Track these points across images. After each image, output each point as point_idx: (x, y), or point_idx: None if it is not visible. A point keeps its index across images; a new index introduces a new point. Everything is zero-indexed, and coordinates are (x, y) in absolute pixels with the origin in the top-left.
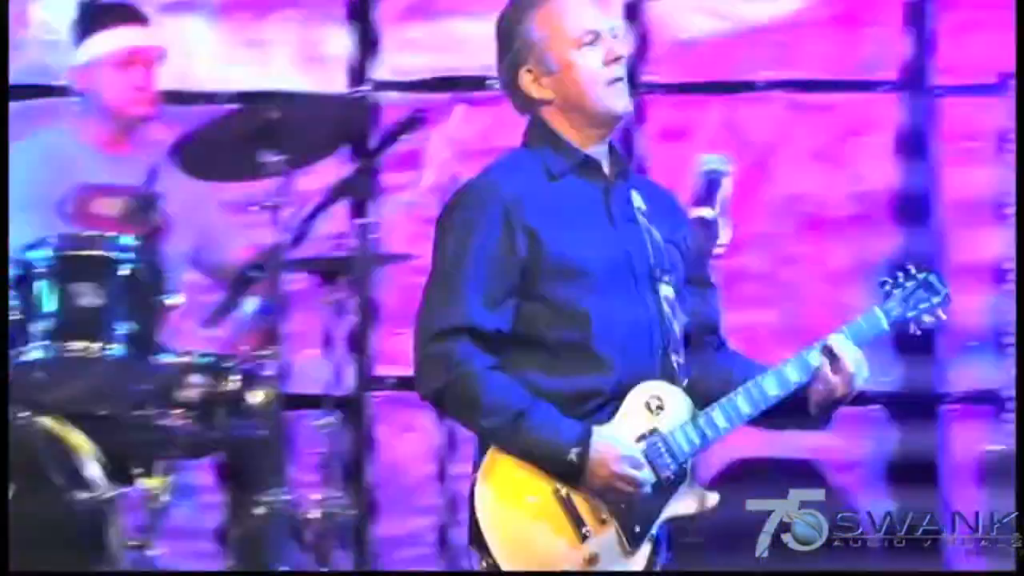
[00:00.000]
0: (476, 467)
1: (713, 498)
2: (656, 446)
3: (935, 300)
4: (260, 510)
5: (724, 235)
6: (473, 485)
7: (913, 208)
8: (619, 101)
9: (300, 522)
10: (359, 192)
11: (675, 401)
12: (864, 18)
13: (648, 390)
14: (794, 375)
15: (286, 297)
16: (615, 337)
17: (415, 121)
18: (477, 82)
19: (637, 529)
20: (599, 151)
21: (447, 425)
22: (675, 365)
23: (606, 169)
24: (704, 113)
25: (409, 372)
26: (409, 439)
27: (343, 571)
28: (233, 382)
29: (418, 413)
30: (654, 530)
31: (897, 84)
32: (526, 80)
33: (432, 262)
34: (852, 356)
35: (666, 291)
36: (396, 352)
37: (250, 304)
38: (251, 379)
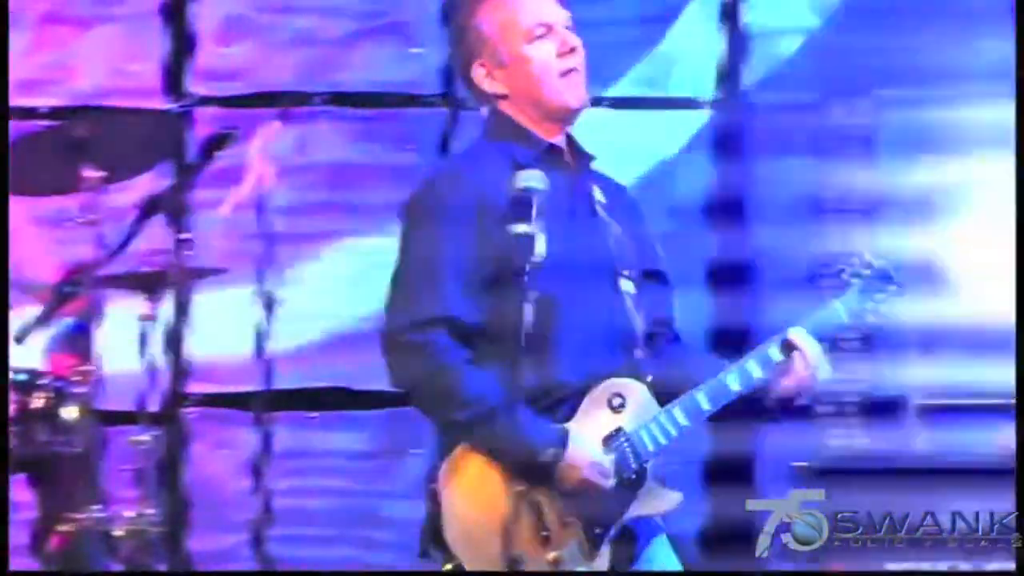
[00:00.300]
0: (432, 473)
1: (675, 497)
2: (622, 447)
3: (891, 289)
4: (73, 526)
5: (539, 248)
6: (434, 487)
7: (730, 217)
8: (573, 94)
9: (114, 538)
10: (173, 208)
11: (637, 398)
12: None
13: (610, 387)
14: (756, 371)
15: (101, 312)
16: (579, 331)
17: (228, 137)
18: (296, 97)
19: (597, 531)
20: (559, 143)
21: (261, 440)
22: (637, 361)
23: (567, 158)
24: None
25: (222, 388)
26: (223, 455)
27: (342, 571)
28: (47, 398)
29: (232, 429)
30: (613, 532)
31: (714, 100)
32: (479, 75)
33: (401, 252)
34: (813, 350)
35: (627, 286)
36: (210, 368)
37: (64, 320)
38: (65, 395)
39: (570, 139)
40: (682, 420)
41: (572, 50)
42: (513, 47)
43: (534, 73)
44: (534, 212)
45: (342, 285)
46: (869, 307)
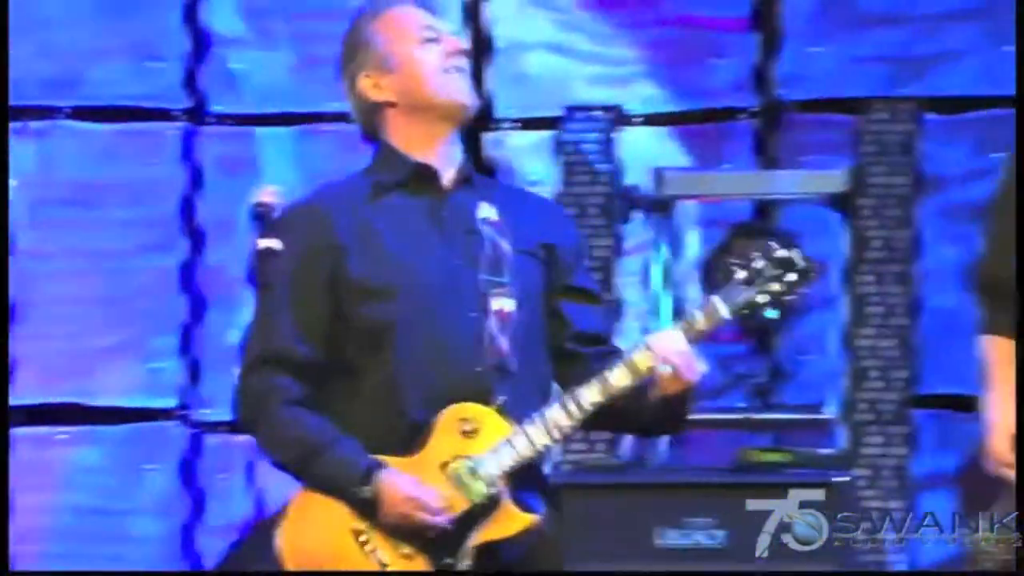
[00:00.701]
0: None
1: (528, 519)
2: (458, 473)
3: (791, 278)
4: None
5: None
6: (274, 522)
7: None
8: (459, 91)
9: None
10: None
11: (488, 422)
12: None
13: (456, 413)
14: (620, 379)
15: None
16: (424, 358)
17: None
18: (38, 112)
19: (447, 560)
20: (445, 154)
21: (18, 459)
22: (491, 384)
23: (445, 178)
24: None
25: None
26: None
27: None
28: None
29: None
30: (467, 559)
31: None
32: (365, 85)
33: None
34: (676, 350)
35: (500, 304)
36: None
37: None
38: None
39: (465, 159)
40: (539, 439)
41: (459, 51)
42: (403, 50)
43: (421, 71)
44: (273, 226)
45: (85, 302)
46: (760, 300)
